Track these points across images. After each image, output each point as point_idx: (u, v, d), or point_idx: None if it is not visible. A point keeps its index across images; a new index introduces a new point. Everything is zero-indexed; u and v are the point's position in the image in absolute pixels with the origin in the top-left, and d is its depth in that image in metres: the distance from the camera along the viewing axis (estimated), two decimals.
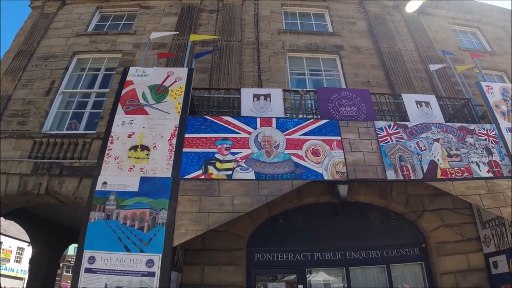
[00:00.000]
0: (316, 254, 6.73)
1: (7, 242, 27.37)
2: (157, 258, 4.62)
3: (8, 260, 27.57)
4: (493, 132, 6.73)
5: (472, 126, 6.75)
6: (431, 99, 7.32)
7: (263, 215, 6.83)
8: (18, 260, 28.54)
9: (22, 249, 28.74)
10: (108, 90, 8.81)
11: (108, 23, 11.12)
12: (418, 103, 7.11)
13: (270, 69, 9.39)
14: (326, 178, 5.49)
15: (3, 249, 26.82)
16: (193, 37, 8.06)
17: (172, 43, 9.70)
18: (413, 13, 11.95)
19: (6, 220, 10.70)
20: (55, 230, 11.69)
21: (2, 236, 26.03)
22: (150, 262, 4.59)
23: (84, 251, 4.70)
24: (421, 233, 7.19)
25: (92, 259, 4.63)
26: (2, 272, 25.50)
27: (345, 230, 6.99)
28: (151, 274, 4.50)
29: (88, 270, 4.53)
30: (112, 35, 10.26)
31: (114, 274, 4.48)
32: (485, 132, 6.70)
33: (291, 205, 7.04)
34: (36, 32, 10.39)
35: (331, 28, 11.24)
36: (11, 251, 28.22)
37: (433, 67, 9.23)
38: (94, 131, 7.87)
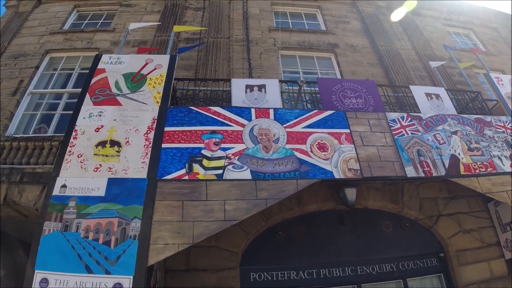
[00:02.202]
0: (322, 271, 5.76)
1: None
2: (127, 281, 3.58)
3: None
4: (510, 124, 6.22)
5: (488, 118, 6.20)
6: (441, 91, 6.75)
7: (259, 226, 5.87)
8: None
9: None
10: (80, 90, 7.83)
11: (85, 21, 10.23)
12: (428, 95, 6.50)
13: (262, 66, 8.59)
14: (337, 176, 4.57)
15: None
16: (177, 28, 7.21)
17: (153, 39, 8.85)
18: (407, 14, 11.65)
19: None
20: (25, 250, 10.41)
21: None
22: (118, 287, 3.55)
23: (35, 271, 3.63)
24: (438, 240, 6.42)
25: (44, 282, 3.57)
26: None
27: (354, 241, 6.08)
28: None
29: None
30: (89, 32, 9.38)
31: None
32: (502, 124, 6.18)
33: (291, 214, 6.11)
34: (8, 31, 9.51)
35: (324, 27, 10.66)
36: None
37: (434, 64, 8.81)
38: (63, 134, 6.84)
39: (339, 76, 8.95)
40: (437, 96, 6.51)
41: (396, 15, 11.30)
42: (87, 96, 5.03)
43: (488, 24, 13.05)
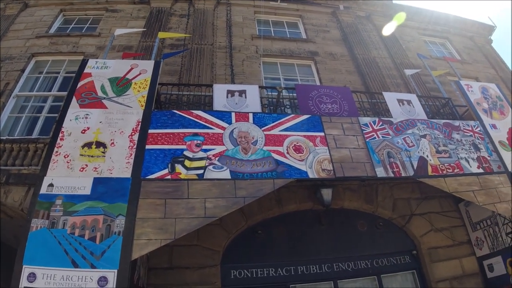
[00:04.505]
0: (300, 268, 6.03)
1: None
2: (112, 274, 3.77)
3: None
4: (478, 129, 6.64)
5: (456, 123, 6.61)
6: (412, 97, 7.14)
7: (240, 225, 6.13)
8: None
9: None
10: (66, 93, 7.95)
11: (71, 26, 10.33)
12: (400, 101, 6.87)
13: (244, 72, 8.88)
14: (311, 176, 4.88)
15: None
16: (162, 35, 7.44)
17: (138, 45, 9.04)
18: (385, 24, 12.06)
19: None
20: (8, 253, 10.29)
21: None
22: (103, 280, 3.74)
23: (23, 266, 3.78)
24: (411, 239, 6.77)
25: (32, 276, 3.72)
26: None
27: (331, 239, 6.39)
28: None
29: None
30: (74, 37, 9.49)
31: None
32: (470, 129, 6.58)
33: (270, 213, 6.38)
34: None
35: (305, 35, 11.05)
36: None
37: (408, 71, 9.24)
38: (49, 136, 6.95)
39: (318, 83, 9.30)
40: (409, 102, 6.88)
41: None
42: (74, 99, 5.21)
43: (464, 33, 13.58)
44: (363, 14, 12.53)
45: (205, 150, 4.88)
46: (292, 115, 5.68)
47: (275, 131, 5.31)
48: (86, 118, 4.99)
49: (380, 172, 5.21)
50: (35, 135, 7.26)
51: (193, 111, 5.32)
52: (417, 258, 6.56)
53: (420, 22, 13.17)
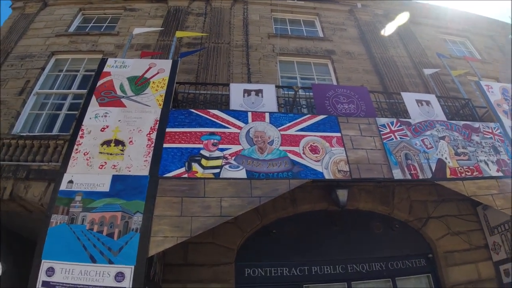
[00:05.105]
0: (314, 268, 6.01)
1: None
2: (129, 270, 3.84)
3: None
4: (498, 131, 6.48)
5: (476, 125, 6.46)
6: (431, 98, 7.00)
7: (254, 224, 6.14)
8: None
9: None
10: (86, 91, 8.10)
11: (90, 25, 10.54)
12: (419, 102, 6.75)
13: (260, 71, 8.89)
14: (327, 177, 4.86)
15: None
16: (179, 34, 7.52)
17: (156, 44, 9.15)
18: (404, 22, 11.86)
19: None
20: (26, 246, 10.59)
21: None
22: (120, 276, 3.81)
23: (42, 260, 3.89)
24: (427, 242, 6.65)
25: (51, 271, 3.82)
26: None
27: (345, 240, 6.32)
28: None
29: (45, 284, 3.72)
30: (94, 35, 9.67)
31: None
32: (490, 131, 6.43)
33: (285, 213, 6.37)
34: (15, 32, 9.77)
35: (322, 34, 10.96)
36: None
37: (427, 71, 9.06)
38: (68, 133, 7.11)
39: (335, 82, 9.23)
40: (428, 102, 6.76)
41: (389, 29, 11.42)
42: (93, 98, 5.32)
43: (484, 32, 13.25)
44: (381, 12, 12.32)
45: (222, 149, 4.91)
46: (309, 115, 5.66)
47: (292, 131, 5.30)
48: (105, 116, 5.09)
49: (397, 174, 5.14)
50: (55, 132, 7.42)
51: (210, 110, 5.36)
52: (433, 261, 6.45)
53: (440, 21, 12.91)
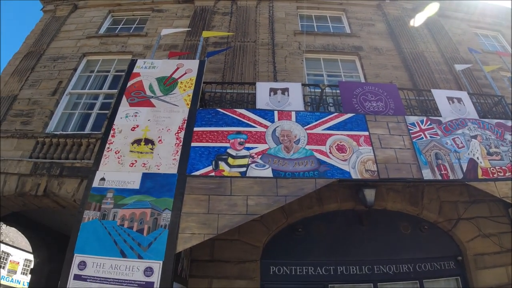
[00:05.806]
0: (340, 268, 5.95)
1: (15, 254, 26.84)
2: (157, 265, 3.95)
3: (15, 272, 26.96)
4: None
5: (509, 123, 6.17)
6: (463, 95, 6.72)
7: (280, 222, 6.15)
8: (25, 273, 27.82)
9: (30, 261, 28.10)
10: (116, 91, 8.38)
11: (119, 26, 10.87)
12: (450, 99, 6.51)
13: (286, 69, 8.85)
14: (354, 176, 4.79)
15: (10, 261, 26.31)
16: (206, 34, 7.61)
17: (183, 44, 9.30)
18: (434, 16, 11.49)
19: (16, 232, 10.23)
20: (57, 239, 11.10)
21: (9, 248, 25.63)
22: (149, 270, 3.92)
23: (75, 254, 4.05)
24: (456, 244, 6.43)
25: (82, 265, 3.99)
26: (9, 284, 24.95)
27: (372, 241, 6.22)
28: (150, 285, 3.82)
29: (77, 277, 3.88)
30: (123, 37, 9.95)
31: (107, 283, 3.81)
32: None
33: (311, 212, 6.34)
34: (47, 34, 10.22)
35: (348, 30, 10.77)
36: (18, 263, 27.58)
37: (459, 67, 8.68)
38: (100, 132, 7.38)
39: (362, 79, 9.06)
40: (459, 100, 6.52)
41: (418, 20, 11.13)
42: (124, 98, 5.49)
43: None
44: (410, 7, 11.93)
45: (248, 148, 4.95)
46: (336, 113, 5.60)
47: (318, 130, 5.25)
48: (136, 116, 5.24)
49: (427, 174, 4.99)
50: (87, 130, 7.72)
51: (236, 109, 5.41)
52: (462, 264, 6.23)
53: (471, 14, 12.39)
